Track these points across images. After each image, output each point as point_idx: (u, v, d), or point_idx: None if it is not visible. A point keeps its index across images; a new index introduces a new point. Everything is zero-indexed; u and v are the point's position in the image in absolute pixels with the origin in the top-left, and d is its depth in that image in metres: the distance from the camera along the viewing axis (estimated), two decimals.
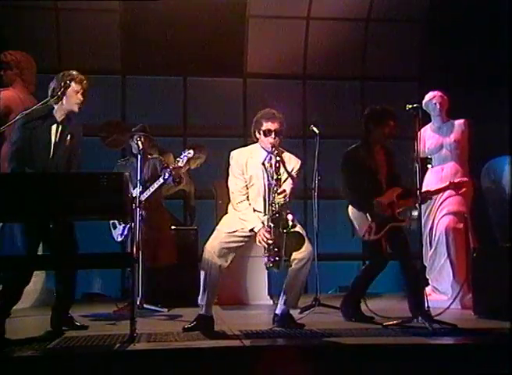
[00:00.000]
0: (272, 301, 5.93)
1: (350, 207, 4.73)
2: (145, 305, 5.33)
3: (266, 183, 4.13)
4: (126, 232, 5.65)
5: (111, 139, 5.79)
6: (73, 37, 7.85)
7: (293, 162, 4.25)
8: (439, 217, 5.77)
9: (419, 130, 4.47)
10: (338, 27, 8.23)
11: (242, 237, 4.14)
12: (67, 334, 3.96)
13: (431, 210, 5.81)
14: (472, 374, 3.41)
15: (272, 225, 3.95)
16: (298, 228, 4.08)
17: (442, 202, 5.77)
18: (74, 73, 4.25)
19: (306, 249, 4.05)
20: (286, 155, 4.25)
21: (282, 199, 3.99)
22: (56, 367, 3.24)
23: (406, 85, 8.41)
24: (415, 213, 4.58)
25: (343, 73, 8.47)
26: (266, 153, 4.17)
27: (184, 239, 6.26)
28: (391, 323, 4.26)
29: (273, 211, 3.97)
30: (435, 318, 4.24)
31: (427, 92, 5.99)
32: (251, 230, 4.07)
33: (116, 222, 5.73)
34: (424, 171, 5.45)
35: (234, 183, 4.20)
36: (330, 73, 8.46)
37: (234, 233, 4.13)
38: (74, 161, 4.21)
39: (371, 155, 4.68)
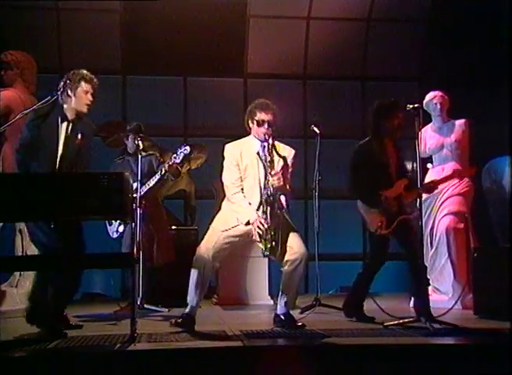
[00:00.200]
0: (272, 301, 5.92)
1: (359, 202, 4.72)
2: (145, 305, 5.33)
3: (262, 173, 4.11)
4: (121, 228, 5.66)
5: (111, 139, 5.80)
6: (74, 37, 7.85)
7: (286, 151, 4.26)
8: (440, 217, 5.77)
9: (420, 130, 4.48)
10: (338, 27, 8.22)
11: (238, 235, 4.11)
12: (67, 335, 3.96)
13: (431, 210, 5.81)
14: (472, 374, 3.41)
15: (268, 207, 3.93)
16: (291, 224, 4.14)
17: (442, 202, 5.77)
18: (84, 72, 4.22)
19: (298, 250, 4.04)
20: (280, 145, 4.25)
21: (277, 181, 3.99)
22: (56, 367, 3.24)
23: (406, 85, 8.39)
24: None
25: (343, 73, 8.47)
26: (260, 143, 4.17)
27: (184, 239, 6.26)
28: (391, 322, 4.26)
29: (268, 194, 3.96)
30: (437, 318, 4.24)
31: (427, 92, 5.98)
32: (247, 224, 4.04)
33: None
34: (424, 171, 5.44)
35: (228, 175, 4.19)
36: (330, 73, 8.45)
37: (230, 232, 4.10)
38: (82, 160, 4.18)
39: (382, 149, 4.67)
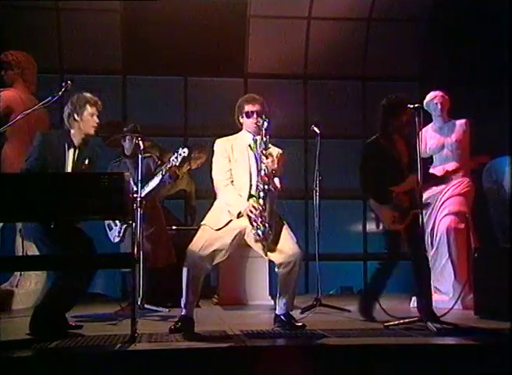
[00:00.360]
0: (272, 302, 5.90)
1: (371, 199, 4.73)
2: (146, 306, 5.33)
3: (253, 165, 4.10)
4: (122, 233, 5.66)
5: (112, 139, 5.79)
6: (74, 37, 7.86)
7: (275, 152, 4.23)
8: (441, 217, 5.77)
9: (420, 130, 4.47)
10: (339, 27, 8.22)
11: (231, 235, 4.05)
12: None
13: (432, 210, 5.80)
14: (473, 374, 3.41)
15: (261, 193, 3.93)
16: (284, 225, 4.13)
17: (443, 202, 5.77)
18: (88, 95, 4.24)
19: (292, 252, 4.02)
20: (270, 146, 4.23)
21: (270, 162, 3.98)
22: (56, 367, 3.23)
23: (407, 85, 8.39)
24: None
25: (344, 73, 8.47)
26: (251, 136, 4.18)
27: (185, 239, 6.23)
28: (392, 323, 4.25)
29: (262, 175, 3.97)
30: (438, 318, 4.24)
31: (428, 92, 5.98)
32: (239, 215, 4.01)
33: (112, 223, 5.73)
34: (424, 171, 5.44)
35: (219, 168, 4.16)
36: (331, 73, 8.46)
37: (222, 230, 4.04)
38: None
39: (391, 145, 4.66)
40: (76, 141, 4.18)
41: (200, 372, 3.30)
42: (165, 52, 7.92)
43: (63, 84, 4.13)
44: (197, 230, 4.20)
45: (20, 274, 5.58)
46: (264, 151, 4.05)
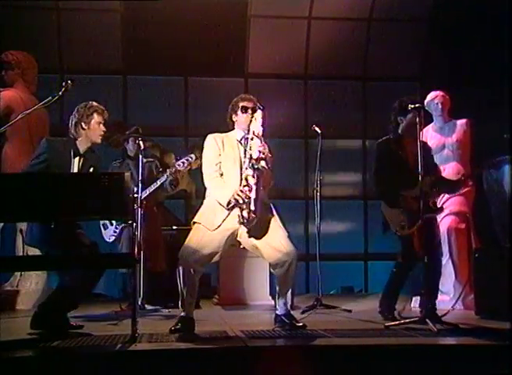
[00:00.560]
0: (273, 302, 5.89)
1: (382, 201, 4.71)
2: (146, 306, 5.33)
3: (243, 157, 4.09)
4: (117, 233, 5.66)
5: (112, 139, 5.80)
6: (74, 37, 7.87)
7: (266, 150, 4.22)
8: (441, 217, 5.75)
9: (421, 130, 4.46)
10: (339, 27, 8.23)
11: (224, 235, 4.02)
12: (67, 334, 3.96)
13: None
14: (473, 374, 3.41)
15: (250, 176, 3.93)
16: (277, 223, 4.11)
17: (444, 203, 5.76)
18: (94, 104, 4.27)
19: (286, 251, 4.01)
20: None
21: (262, 147, 3.97)
22: (57, 367, 3.23)
23: (407, 85, 8.41)
24: None
25: (344, 73, 8.48)
26: (243, 133, 4.18)
27: (185, 239, 6.24)
28: (393, 323, 4.25)
29: (250, 157, 3.97)
30: (440, 319, 4.24)
31: (429, 92, 5.97)
32: (228, 207, 3.98)
33: (107, 222, 5.74)
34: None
35: (209, 161, 4.16)
36: (331, 73, 8.46)
37: (216, 232, 4.01)
38: None
39: (402, 147, 4.64)
40: (82, 149, 4.21)
41: (200, 372, 3.30)
42: (166, 52, 7.93)
43: (63, 84, 4.13)
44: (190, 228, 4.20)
45: (21, 274, 5.58)
46: (253, 138, 4.03)
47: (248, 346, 3.52)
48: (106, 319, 4.81)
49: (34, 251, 4.59)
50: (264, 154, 3.96)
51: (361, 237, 8.44)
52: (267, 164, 3.97)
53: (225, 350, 3.48)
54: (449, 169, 5.77)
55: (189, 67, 8.16)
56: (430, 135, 5.92)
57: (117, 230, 5.69)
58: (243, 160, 4.09)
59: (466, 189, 5.76)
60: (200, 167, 6.84)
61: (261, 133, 4.03)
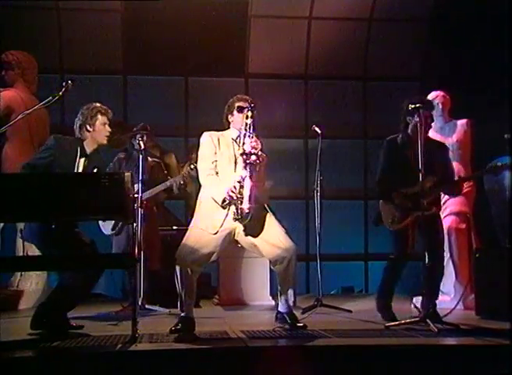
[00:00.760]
0: (273, 302, 5.91)
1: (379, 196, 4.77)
2: (147, 306, 5.33)
3: (237, 154, 4.09)
4: (118, 227, 5.67)
5: (113, 139, 5.79)
6: (75, 37, 7.85)
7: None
8: (442, 217, 5.75)
9: (423, 129, 4.45)
10: (340, 27, 8.21)
11: (221, 236, 4.03)
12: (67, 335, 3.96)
13: None
14: (473, 374, 3.41)
15: (242, 158, 3.93)
16: (273, 220, 4.11)
17: (444, 202, 5.75)
18: (98, 105, 4.29)
19: (285, 247, 4.02)
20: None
21: (255, 143, 3.98)
22: (57, 367, 3.23)
23: (408, 85, 8.39)
24: None
25: (344, 73, 8.47)
26: (238, 132, 4.18)
27: None
28: (393, 323, 4.25)
29: (245, 152, 3.96)
30: (441, 319, 4.24)
31: (429, 92, 5.96)
32: (223, 204, 3.98)
33: None
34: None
35: (204, 159, 4.17)
36: (332, 73, 8.45)
37: (215, 235, 4.02)
38: None
39: (409, 146, 4.65)
40: (89, 150, 4.23)
41: (200, 372, 3.31)
42: (166, 52, 7.92)
43: (63, 84, 4.13)
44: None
45: (21, 274, 5.58)
46: (246, 134, 4.03)
47: (248, 346, 3.53)
48: (106, 319, 4.81)
49: (35, 252, 4.60)
50: (256, 149, 3.96)
51: (361, 237, 8.43)
52: (258, 159, 3.97)
53: (225, 350, 3.48)
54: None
55: (189, 67, 8.16)
56: (430, 135, 5.91)
57: (117, 225, 5.69)
58: (238, 158, 4.09)
59: (466, 189, 5.76)
60: None
61: (252, 130, 4.03)
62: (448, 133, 5.86)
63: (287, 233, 4.16)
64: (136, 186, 5.20)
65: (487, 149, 6.03)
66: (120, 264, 4.20)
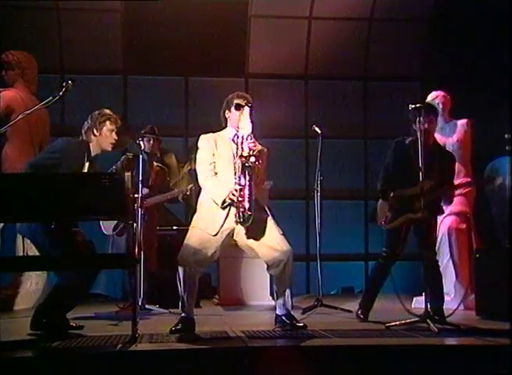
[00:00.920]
0: (273, 302, 5.88)
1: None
2: (147, 306, 5.33)
3: (235, 154, 4.08)
4: (119, 227, 5.68)
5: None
6: (75, 37, 7.85)
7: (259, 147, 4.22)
8: (442, 217, 5.75)
9: (422, 130, 4.45)
10: (340, 27, 8.21)
11: (222, 236, 4.02)
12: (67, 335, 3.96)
13: None
14: (473, 374, 3.40)
15: (243, 172, 3.92)
16: (272, 223, 4.10)
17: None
18: (108, 111, 4.31)
19: (281, 249, 4.01)
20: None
21: (253, 144, 3.97)
22: (57, 368, 3.23)
23: (408, 85, 8.40)
24: None
25: (345, 73, 8.46)
26: (234, 131, 4.17)
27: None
28: (393, 323, 4.24)
29: (243, 155, 3.95)
30: (445, 320, 4.25)
31: (430, 92, 5.97)
32: (223, 206, 3.99)
33: None
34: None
35: (203, 161, 4.16)
36: (332, 73, 8.45)
37: (216, 236, 4.02)
38: None
39: (415, 148, 4.64)
40: (94, 153, 4.26)
41: (200, 372, 3.30)
42: (166, 52, 7.92)
43: (63, 84, 4.13)
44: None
45: (21, 275, 5.57)
46: (244, 136, 4.03)
47: (248, 346, 3.52)
48: (106, 319, 4.81)
49: (34, 252, 4.59)
50: (254, 151, 3.96)
51: (361, 237, 8.43)
52: (257, 160, 3.97)
53: (225, 350, 3.48)
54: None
55: (189, 67, 8.16)
56: None
57: (118, 224, 5.70)
58: (236, 159, 4.09)
59: (467, 189, 5.76)
60: None
61: (250, 130, 4.02)
62: (448, 133, 5.86)
63: (284, 235, 4.16)
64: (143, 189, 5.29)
65: (487, 149, 6.04)
66: (120, 264, 4.20)
